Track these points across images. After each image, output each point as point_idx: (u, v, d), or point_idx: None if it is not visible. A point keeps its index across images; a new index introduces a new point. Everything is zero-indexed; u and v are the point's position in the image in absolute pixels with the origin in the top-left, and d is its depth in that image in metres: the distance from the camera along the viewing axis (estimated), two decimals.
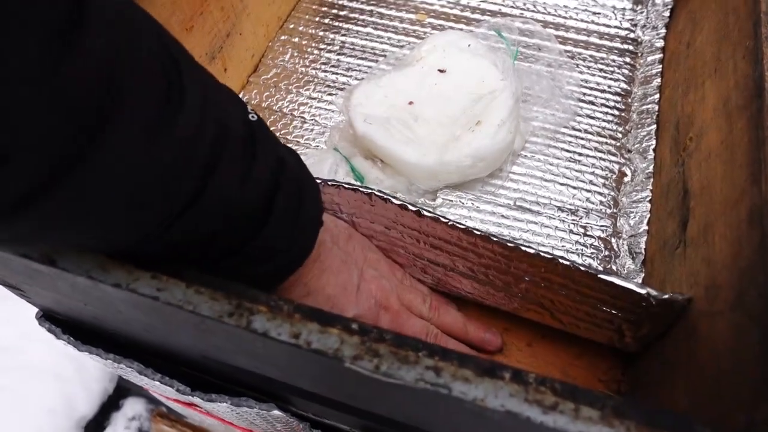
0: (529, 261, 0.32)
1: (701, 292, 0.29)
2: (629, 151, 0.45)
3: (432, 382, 0.20)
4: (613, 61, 0.51)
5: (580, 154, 0.45)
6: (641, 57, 0.51)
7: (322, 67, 0.50)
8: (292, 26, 0.53)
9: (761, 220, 0.25)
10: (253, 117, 0.24)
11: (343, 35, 0.53)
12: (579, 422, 0.20)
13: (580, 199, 0.43)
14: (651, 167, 0.43)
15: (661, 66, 0.49)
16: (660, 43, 0.50)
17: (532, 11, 0.54)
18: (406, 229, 0.34)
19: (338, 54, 0.51)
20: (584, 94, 0.49)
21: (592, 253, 0.40)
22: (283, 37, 0.52)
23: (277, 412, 0.31)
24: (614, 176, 0.44)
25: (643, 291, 0.29)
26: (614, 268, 0.40)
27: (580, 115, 0.47)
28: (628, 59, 0.51)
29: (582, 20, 0.53)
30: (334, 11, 0.54)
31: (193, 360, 0.31)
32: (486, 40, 0.49)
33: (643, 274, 0.39)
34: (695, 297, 0.30)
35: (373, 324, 0.32)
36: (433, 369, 0.21)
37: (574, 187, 0.44)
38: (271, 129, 0.34)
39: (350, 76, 0.50)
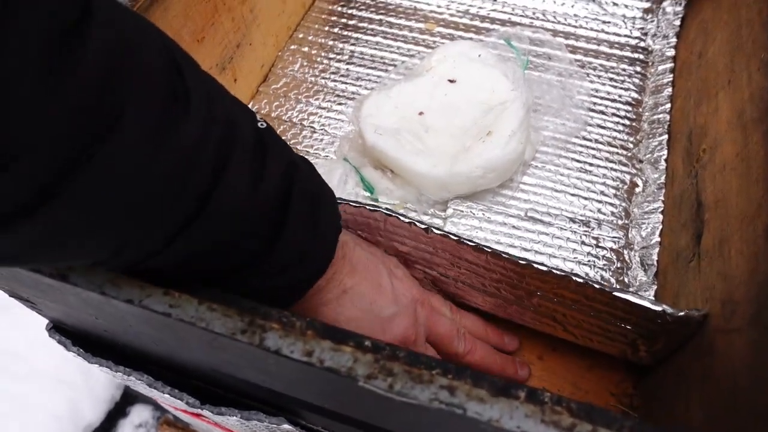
0: (540, 278, 0.31)
1: (717, 307, 0.29)
2: (641, 161, 0.45)
3: (446, 402, 0.20)
4: (624, 70, 0.50)
5: (591, 164, 0.45)
6: (652, 66, 0.50)
7: (332, 76, 0.50)
8: (301, 36, 0.53)
9: None
10: (262, 125, 0.24)
11: (353, 44, 0.53)
12: None
13: (591, 210, 0.43)
14: (663, 178, 0.43)
15: (672, 75, 0.48)
16: (671, 53, 0.50)
17: (542, 20, 0.54)
18: (414, 245, 0.34)
19: (348, 63, 0.51)
20: (595, 103, 0.48)
21: (604, 264, 0.40)
22: (292, 47, 0.52)
23: (286, 426, 0.31)
24: (626, 187, 0.44)
25: (658, 308, 0.29)
26: (626, 280, 0.39)
27: (590, 125, 0.47)
28: (638, 68, 0.50)
29: (592, 29, 0.53)
30: (344, 20, 0.54)
31: (203, 373, 0.31)
32: (496, 50, 0.48)
33: (655, 287, 0.38)
34: (711, 312, 0.29)
35: (412, 320, 0.32)
36: (448, 388, 0.20)
37: (586, 198, 0.43)
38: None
39: (360, 86, 0.50)
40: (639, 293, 0.32)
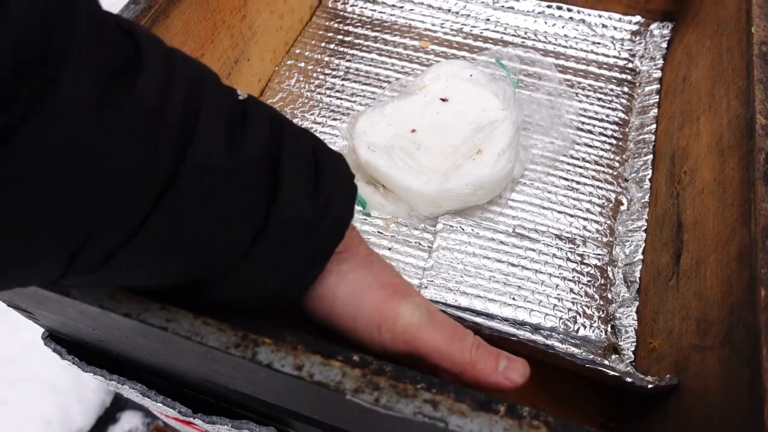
0: (520, 347, 0.32)
1: (693, 326, 0.30)
2: (626, 180, 0.46)
3: (429, 416, 0.21)
4: (612, 90, 0.52)
5: (578, 183, 0.46)
6: (639, 87, 0.52)
7: (327, 92, 0.52)
8: (298, 51, 0.54)
9: (750, 261, 0.26)
10: (242, 96, 0.22)
11: (348, 61, 0.54)
12: None
13: (577, 227, 0.44)
14: (647, 197, 0.44)
15: (658, 96, 0.50)
16: (657, 74, 0.51)
17: (533, 40, 0.55)
18: None
19: (343, 79, 0.52)
20: (583, 122, 0.50)
21: (588, 281, 0.41)
22: (289, 62, 0.54)
23: None
24: (611, 205, 0.45)
25: (628, 380, 0.30)
26: (609, 296, 0.41)
27: (578, 144, 0.48)
28: (626, 89, 0.52)
29: (582, 49, 0.55)
30: (340, 37, 0.56)
31: (196, 383, 0.32)
32: (488, 69, 0.50)
33: (637, 303, 0.40)
34: (686, 330, 0.30)
35: (427, 309, 0.25)
36: (431, 402, 0.21)
37: (572, 215, 0.44)
38: None
39: (354, 101, 0.51)
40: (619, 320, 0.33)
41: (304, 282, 0.23)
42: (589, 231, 0.44)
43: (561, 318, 0.40)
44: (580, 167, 0.47)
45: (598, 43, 0.55)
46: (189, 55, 0.21)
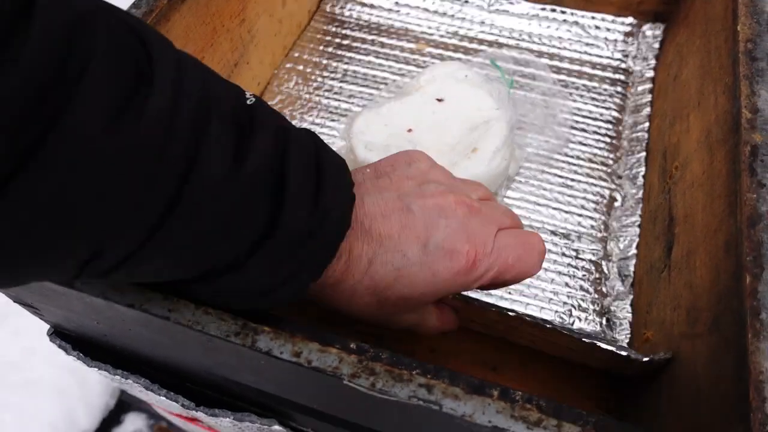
0: (517, 322, 0.32)
1: (683, 315, 0.31)
2: (620, 177, 0.47)
3: (424, 399, 0.22)
4: (605, 90, 0.53)
5: (573, 180, 0.47)
6: (632, 86, 0.53)
7: (326, 93, 0.53)
8: (297, 54, 0.55)
9: (736, 249, 0.26)
10: (251, 100, 0.22)
11: (346, 63, 0.55)
12: None
13: (572, 223, 0.45)
14: (640, 193, 0.45)
15: (650, 95, 0.51)
16: (650, 74, 0.52)
17: (528, 42, 0.56)
18: None
19: (341, 81, 0.53)
20: (577, 121, 0.50)
21: (583, 275, 0.42)
22: (288, 65, 0.55)
23: (277, 427, 0.33)
24: (605, 201, 0.46)
25: (623, 353, 0.30)
26: (604, 290, 0.41)
27: (572, 142, 0.49)
28: (619, 88, 0.53)
29: (575, 50, 0.56)
30: (338, 40, 0.57)
31: (198, 375, 0.32)
32: (483, 70, 0.51)
33: (632, 296, 0.40)
34: (677, 320, 0.31)
35: (464, 236, 0.25)
36: (426, 386, 0.22)
37: (567, 212, 0.45)
38: None
39: (352, 103, 0.52)
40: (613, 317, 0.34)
41: (296, 288, 0.23)
42: (584, 227, 0.44)
43: (556, 311, 0.40)
44: (575, 165, 0.48)
45: (592, 44, 0.56)
46: (197, 60, 0.21)
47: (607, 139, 0.49)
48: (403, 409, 0.23)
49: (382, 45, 0.56)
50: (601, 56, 0.55)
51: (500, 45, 0.56)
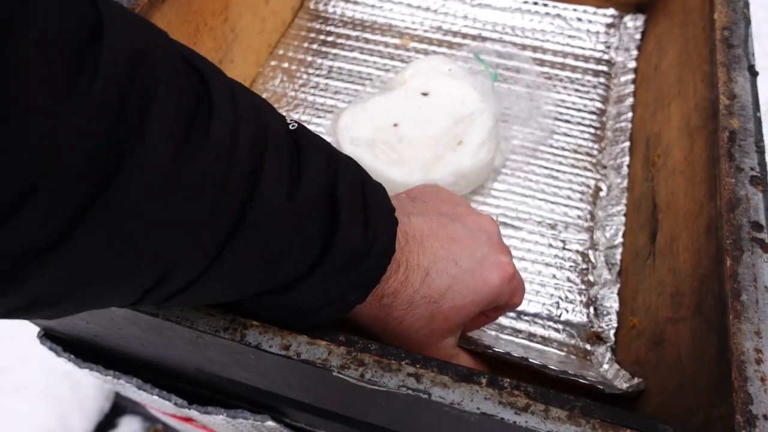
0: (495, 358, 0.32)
1: (668, 300, 0.31)
2: (604, 167, 0.48)
3: (413, 388, 0.22)
4: (588, 81, 0.53)
5: (558, 171, 0.47)
6: (615, 77, 0.53)
7: (311, 90, 0.53)
8: (281, 52, 0.55)
9: (716, 233, 0.27)
10: (293, 126, 0.23)
11: (331, 60, 0.55)
12: (549, 422, 0.22)
13: (558, 214, 0.45)
14: (625, 182, 0.45)
15: (633, 86, 0.51)
16: (632, 64, 0.53)
17: (511, 35, 0.57)
18: None
19: (326, 78, 0.54)
20: (561, 113, 0.51)
21: (570, 266, 0.42)
22: (273, 63, 0.55)
23: (271, 423, 0.33)
24: (590, 191, 0.46)
25: (600, 387, 0.29)
26: (591, 279, 0.42)
27: (557, 133, 0.50)
28: (602, 79, 0.53)
29: (558, 43, 0.56)
30: (322, 37, 0.57)
31: (189, 374, 0.32)
32: (467, 64, 0.51)
33: (619, 284, 0.41)
34: (662, 305, 0.32)
35: (502, 248, 0.29)
36: (414, 376, 0.22)
37: (553, 202, 0.46)
38: None
39: (338, 99, 0.52)
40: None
41: (344, 308, 0.24)
42: (570, 217, 0.45)
43: (544, 304, 0.41)
44: (560, 156, 0.48)
45: (574, 36, 0.57)
46: (245, 85, 0.22)
47: (592, 130, 0.50)
48: (392, 398, 0.23)
49: (367, 41, 0.56)
50: (583, 48, 0.56)
51: (483, 39, 0.56)
